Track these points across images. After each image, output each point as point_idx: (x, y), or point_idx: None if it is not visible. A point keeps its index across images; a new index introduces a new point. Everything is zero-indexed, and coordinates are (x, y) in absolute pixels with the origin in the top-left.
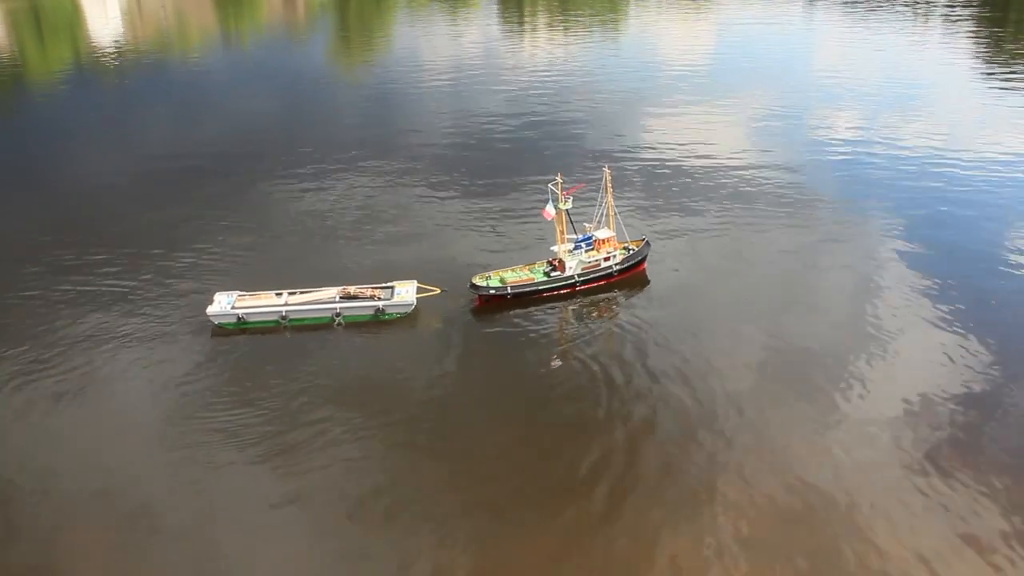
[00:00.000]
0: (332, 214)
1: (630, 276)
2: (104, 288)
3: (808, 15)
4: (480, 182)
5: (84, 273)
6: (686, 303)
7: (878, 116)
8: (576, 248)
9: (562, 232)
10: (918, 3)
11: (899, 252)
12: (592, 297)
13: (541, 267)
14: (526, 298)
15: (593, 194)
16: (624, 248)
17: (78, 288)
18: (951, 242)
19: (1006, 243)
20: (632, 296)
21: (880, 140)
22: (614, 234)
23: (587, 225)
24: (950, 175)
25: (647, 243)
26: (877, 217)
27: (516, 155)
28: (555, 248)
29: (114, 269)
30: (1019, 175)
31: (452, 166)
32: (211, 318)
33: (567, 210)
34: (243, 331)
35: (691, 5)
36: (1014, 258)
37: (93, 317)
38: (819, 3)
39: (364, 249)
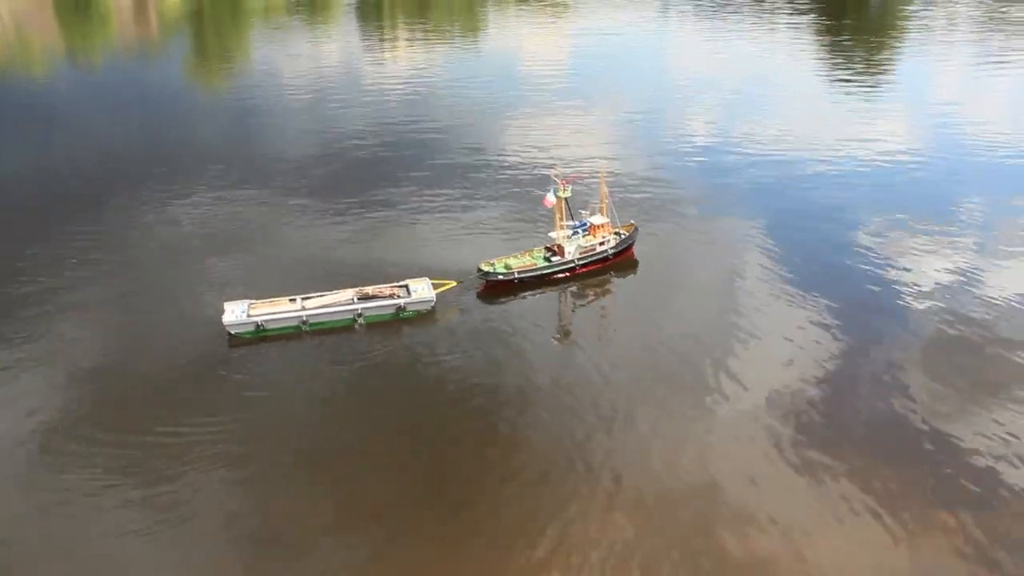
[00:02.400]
0: (212, 229)
1: (622, 259)
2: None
3: (662, 22)
4: (372, 192)
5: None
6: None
7: (732, 118)
8: (574, 234)
9: (561, 219)
10: (763, 11)
11: (759, 245)
12: (590, 279)
13: (540, 253)
14: (530, 282)
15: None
16: (616, 233)
17: None
18: (805, 232)
19: (855, 230)
20: (622, 277)
21: (735, 140)
22: (608, 220)
23: (583, 212)
24: (800, 170)
25: (636, 228)
26: (737, 213)
27: (386, 165)
28: (553, 234)
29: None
30: (862, 167)
31: (340, 178)
32: (227, 328)
33: (566, 198)
34: (262, 339)
35: (548, 13)
36: (862, 243)
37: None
38: (672, 11)
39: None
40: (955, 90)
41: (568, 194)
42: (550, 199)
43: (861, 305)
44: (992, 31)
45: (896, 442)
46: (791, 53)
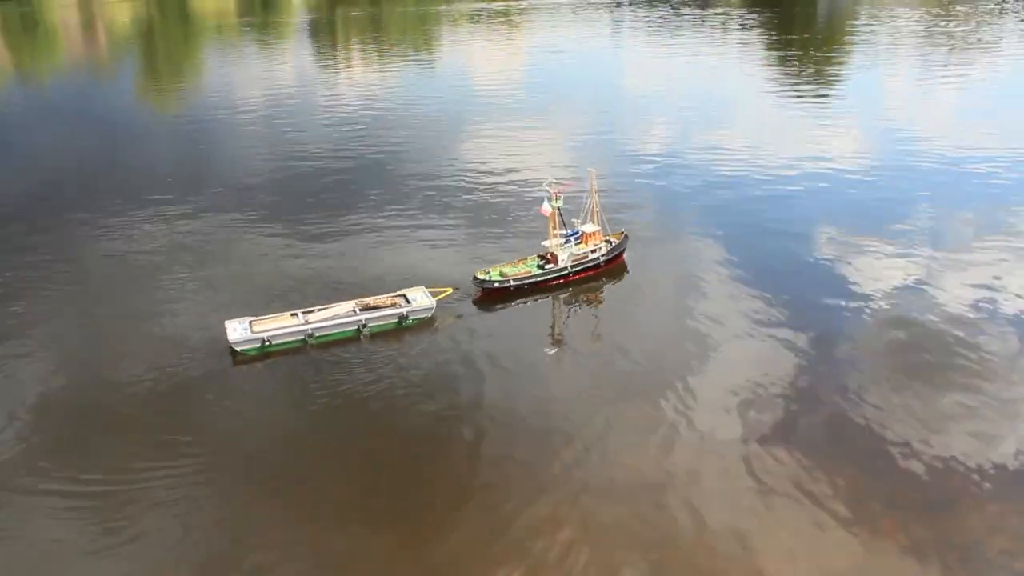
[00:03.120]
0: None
1: (613, 266)
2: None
3: (615, 38)
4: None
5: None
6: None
7: (687, 132)
8: (567, 242)
9: (554, 228)
10: (713, 27)
11: (718, 256)
12: (582, 286)
13: (534, 261)
14: (525, 289)
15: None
16: (607, 241)
17: None
18: (763, 241)
19: (811, 239)
20: (612, 284)
21: (691, 153)
22: (599, 228)
23: (575, 221)
24: (755, 182)
25: (626, 236)
26: (695, 223)
27: (350, 183)
28: (546, 243)
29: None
30: (816, 178)
31: (287, 197)
32: (234, 345)
33: (559, 208)
34: (267, 355)
35: (502, 28)
36: (818, 253)
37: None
38: (623, 28)
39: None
40: (902, 102)
41: (561, 203)
42: (546, 208)
43: (817, 313)
44: (934, 44)
45: (848, 446)
46: (742, 68)
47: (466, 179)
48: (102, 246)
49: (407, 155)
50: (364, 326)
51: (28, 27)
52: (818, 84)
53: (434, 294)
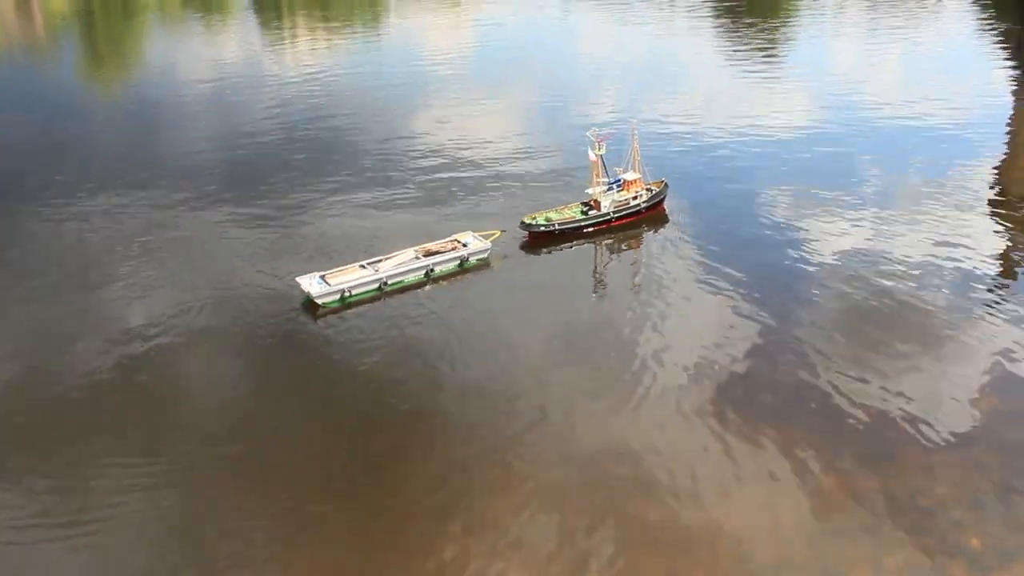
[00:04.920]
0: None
1: (653, 213)
2: None
3: (564, 8)
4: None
5: None
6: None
7: (639, 99)
8: (609, 189)
9: (597, 175)
10: None
11: (674, 224)
12: (624, 231)
13: (577, 208)
14: (570, 233)
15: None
16: (647, 189)
17: None
18: (716, 208)
19: (764, 206)
20: (652, 231)
21: (645, 121)
22: (640, 176)
23: (616, 169)
24: (711, 148)
25: (666, 184)
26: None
27: (301, 160)
28: (590, 190)
29: None
30: (768, 142)
31: (249, 176)
32: (315, 299)
33: (601, 155)
34: (348, 306)
35: (448, 2)
36: (774, 217)
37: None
38: None
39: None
40: (850, 64)
41: (604, 151)
42: (590, 155)
43: (774, 279)
44: (881, 6)
45: (803, 408)
46: (691, 36)
47: (403, 158)
48: (54, 232)
49: (363, 131)
50: (431, 270)
51: None
52: (768, 49)
53: (485, 236)
